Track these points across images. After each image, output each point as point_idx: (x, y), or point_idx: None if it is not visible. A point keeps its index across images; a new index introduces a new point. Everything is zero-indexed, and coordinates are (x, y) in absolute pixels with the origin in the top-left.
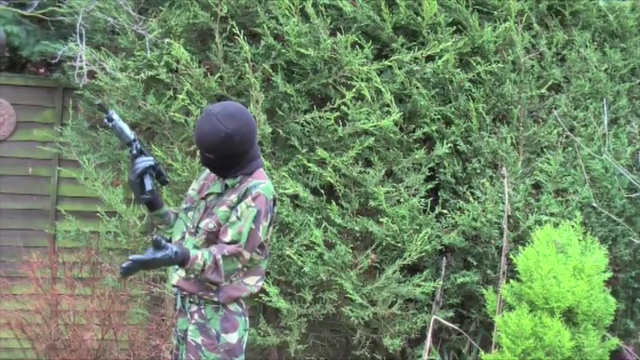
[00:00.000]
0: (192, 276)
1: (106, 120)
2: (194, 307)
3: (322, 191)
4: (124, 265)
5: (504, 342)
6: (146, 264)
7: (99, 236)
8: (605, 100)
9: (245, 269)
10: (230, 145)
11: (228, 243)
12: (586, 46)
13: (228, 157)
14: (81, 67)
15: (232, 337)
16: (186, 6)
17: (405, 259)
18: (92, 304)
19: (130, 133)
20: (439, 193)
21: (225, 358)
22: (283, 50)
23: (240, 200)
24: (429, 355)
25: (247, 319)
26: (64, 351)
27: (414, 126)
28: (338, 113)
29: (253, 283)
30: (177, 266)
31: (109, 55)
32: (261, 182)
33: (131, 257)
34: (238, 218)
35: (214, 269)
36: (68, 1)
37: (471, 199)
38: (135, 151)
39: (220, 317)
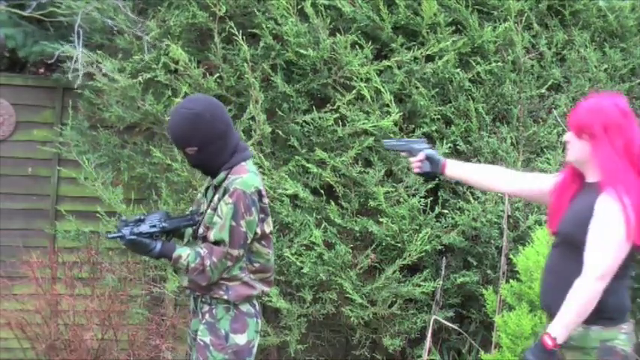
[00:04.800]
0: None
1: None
2: (206, 307)
3: (322, 191)
4: (110, 236)
5: (504, 342)
6: (128, 246)
7: (99, 236)
8: None
9: (257, 264)
10: (203, 125)
11: (214, 243)
12: (586, 46)
13: (208, 143)
14: (76, 69)
15: (241, 339)
16: (185, 6)
17: (405, 259)
18: (92, 304)
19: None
20: (439, 193)
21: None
22: (282, 50)
23: (219, 200)
24: (428, 355)
25: (259, 321)
26: (63, 351)
27: (413, 126)
28: (338, 114)
29: (263, 278)
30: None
31: (106, 57)
32: (239, 177)
33: (111, 235)
34: (220, 217)
35: (200, 272)
36: (66, 1)
37: (471, 199)
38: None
39: (231, 317)
